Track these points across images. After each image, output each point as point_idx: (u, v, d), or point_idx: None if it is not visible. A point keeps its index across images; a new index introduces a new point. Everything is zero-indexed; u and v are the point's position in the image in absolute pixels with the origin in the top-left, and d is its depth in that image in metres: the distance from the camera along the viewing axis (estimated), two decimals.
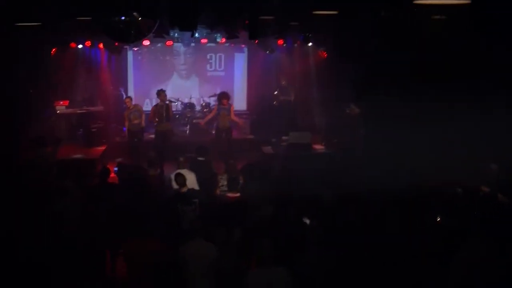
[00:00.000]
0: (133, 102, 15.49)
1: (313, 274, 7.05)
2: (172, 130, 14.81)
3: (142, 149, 14.07)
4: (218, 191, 10.12)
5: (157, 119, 14.44)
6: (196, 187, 9.93)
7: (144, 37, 9.38)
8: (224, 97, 14.59)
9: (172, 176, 9.79)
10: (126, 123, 14.81)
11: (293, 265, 6.87)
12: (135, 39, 7.79)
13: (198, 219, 8.38)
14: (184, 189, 9.29)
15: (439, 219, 8.33)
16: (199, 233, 7.51)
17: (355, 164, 12.56)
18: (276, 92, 17.09)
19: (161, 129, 14.46)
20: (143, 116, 14.90)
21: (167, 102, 14.73)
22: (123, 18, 7.26)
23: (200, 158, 11.42)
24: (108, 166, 13.40)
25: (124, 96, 17.91)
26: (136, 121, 14.65)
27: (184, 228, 8.75)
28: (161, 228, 8.22)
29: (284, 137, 14.73)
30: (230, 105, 14.77)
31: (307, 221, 8.24)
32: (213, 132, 15.85)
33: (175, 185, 9.55)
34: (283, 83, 17.02)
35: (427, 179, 10.10)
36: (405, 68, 12.42)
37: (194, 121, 16.80)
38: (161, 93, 14.59)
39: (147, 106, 17.35)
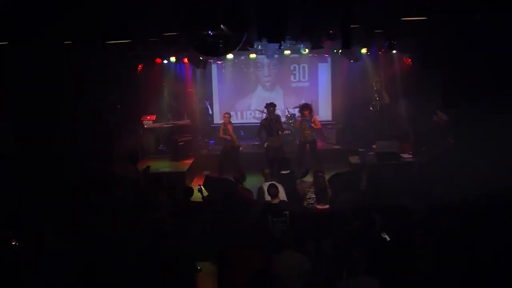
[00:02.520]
0: (219, 115, 15.64)
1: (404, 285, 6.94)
2: (282, 145, 14.65)
3: (233, 163, 14.18)
4: (305, 203, 10.07)
5: (267, 134, 14.54)
6: (285, 199, 9.94)
7: (232, 50, 9.45)
8: (305, 109, 14.55)
9: (265, 187, 9.83)
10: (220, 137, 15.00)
11: (383, 275, 6.79)
12: (224, 53, 7.88)
13: (290, 231, 8.40)
14: (276, 201, 9.30)
15: None
16: (291, 245, 7.50)
17: (445, 173, 12.22)
18: (376, 96, 16.79)
19: (272, 144, 14.48)
20: (232, 131, 14.83)
21: (276, 116, 14.78)
22: (211, 32, 7.32)
23: (283, 172, 11.40)
24: (195, 179, 13.65)
25: (210, 110, 18.23)
26: (225, 136, 14.73)
27: (275, 239, 8.76)
28: (253, 239, 8.25)
29: (373, 146, 14.52)
30: (312, 116, 14.65)
31: (387, 237, 8.08)
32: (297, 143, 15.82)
33: (267, 197, 9.58)
34: (377, 87, 16.75)
35: None
36: (493, 75, 12.05)
37: (280, 132, 16.78)
38: (270, 108, 14.62)
39: (233, 119, 17.38)
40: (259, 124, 15.12)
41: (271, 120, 14.45)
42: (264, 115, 16.10)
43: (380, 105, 16.49)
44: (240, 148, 15.22)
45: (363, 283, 6.51)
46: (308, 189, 10.36)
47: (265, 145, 14.68)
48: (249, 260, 7.30)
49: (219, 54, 7.87)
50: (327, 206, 9.33)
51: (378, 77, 17.03)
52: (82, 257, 7.75)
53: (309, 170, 11.93)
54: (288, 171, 11.47)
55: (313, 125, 14.45)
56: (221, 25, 7.00)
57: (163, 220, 8.96)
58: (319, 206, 9.31)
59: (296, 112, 17.37)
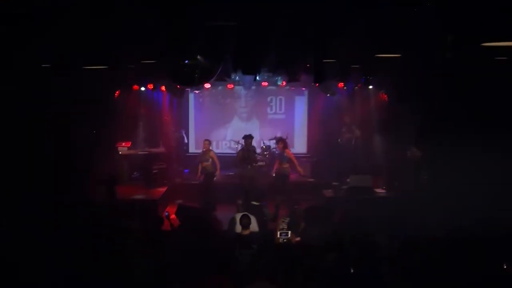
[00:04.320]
0: (194, 144, 15.75)
1: None
2: (255, 176, 14.95)
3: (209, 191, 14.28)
4: (278, 235, 10.04)
5: (243, 163, 14.80)
6: (257, 230, 9.91)
7: (208, 80, 9.55)
8: (278, 142, 14.80)
9: (237, 218, 9.80)
10: (199, 166, 15.04)
11: None
12: (199, 83, 7.92)
13: (257, 263, 8.35)
14: (246, 232, 9.27)
15: (505, 266, 8.05)
16: (259, 277, 7.45)
17: (417, 209, 12.29)
18: (343, 130, 16.94)
19: (246, 174, 14.72)
20: (217, 163, 15.15)
21: (252, 148, 15.18)
22: (187, 61, 7.34)
23: (254, 203, 11.40)
24: (168, 207, 13.58)
25: (186, 139, 18.21)
26: (206, 164, 14.88)
27: (240, 270, 8.71)
28: (219, 269, 8.19)
29: (348, 180, 14.57)
30: (285, 150, 14.83)
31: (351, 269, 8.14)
32: (273, 175, 15.88)
33: (238, 228, 9.56)
34: (347, 121, 16.90)
35: (493, 227, 9.80)
36: (467, 112, 12.21)
37: (254, 164, 16.81)
38: (248, 139, 14.99)
39: None
40: (236, 154, 15.27)
41: (248, 151, 14.61)
42: (241, 145, 16.15)
43: (349, 139, 16.62)
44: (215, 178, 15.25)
45: None
46: (282, 220, 10.37)
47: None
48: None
49: (195, 83, 7.92)
50: (298, 239, 9.32)
51: (349, 112, 17.20)
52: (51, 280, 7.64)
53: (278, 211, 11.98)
54: (259, 203, 11.46)
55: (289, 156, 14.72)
56: (197, 55, 7.05)
57: (133, 247, 8.86)
58: (291, 240, 9.30)
59: (272, 144, 17.42)
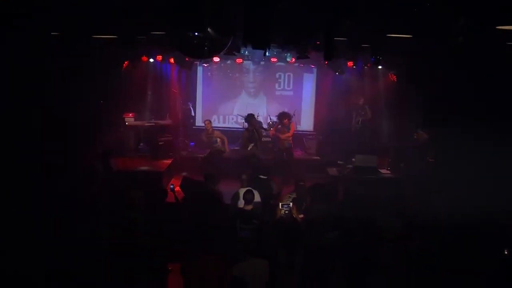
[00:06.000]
0: (201, 117, 15.74)
1: None
2: (257, 155, 14.75)
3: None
4: (281, 212, 10.06)
5: (249, 144, 14.92)
6: (260, 206, 9.90)
7: (217, 53, 9.51)
8: (284, 117, 14.75)
9: (241, 192, 9.80)
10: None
11: None
12: (208, 56, 7.88)
13: (256, 238, 8.41)
14: (249, 207, 9.27)
15: (506, 252, 8.07)
16: (255, 252, 7.49)
17: (421, 191, 12.29)
18: (354, 114, 16.84)
19: (252, 152, 14.70)
20: (225, 141, 15.44)
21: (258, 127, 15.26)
22: (197, 34, 7.30)
23: (261, 176, 11.38)
24: (172, 180, 13.60)
25: (193, 112, 18.17)
26: (216, 146, 14.97)
27: (240, 245, 8.74)
28: (219, 243, 8.22)
29: (353, 159, 14.53)
30: (290, 123, 14.85)
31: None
32: (276, 150, 15.88)
33: (240, 203, 9.56)
34: (360, 103, 16.80)
35: (496, 212, 9.80)
36: (476, 97, 12.14)
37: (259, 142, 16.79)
38: (251, 119, 15.00)
39: (215, 122, 17.71)
40: (242, 133, 15.39)
41: (252, 131, 14.81)
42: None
43: (361, 121, 16.51)
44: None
45: None
46: (289, 195, 10.38)
47: (249, 148, 14.90)
48: (208, 266, 7.23)
49: (204, 56, 7.88)
50: (301, 216, 9.33)
51: (363, 93, 17.09)
52: (53, 252, 7.69)
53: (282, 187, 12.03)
54: (266, 177, 11.46)
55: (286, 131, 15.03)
56: (208, 28, 7.00)
57: (136, 219, 8.90)
58: (294, 215, 9.30)
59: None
